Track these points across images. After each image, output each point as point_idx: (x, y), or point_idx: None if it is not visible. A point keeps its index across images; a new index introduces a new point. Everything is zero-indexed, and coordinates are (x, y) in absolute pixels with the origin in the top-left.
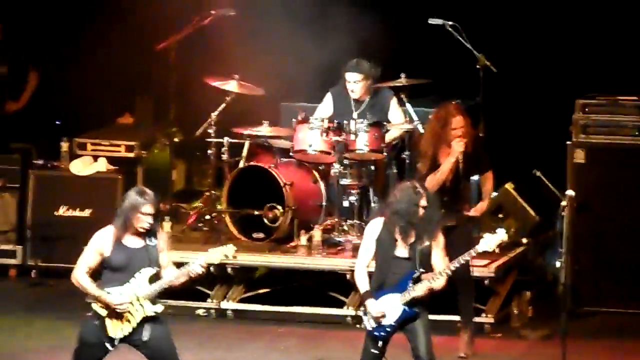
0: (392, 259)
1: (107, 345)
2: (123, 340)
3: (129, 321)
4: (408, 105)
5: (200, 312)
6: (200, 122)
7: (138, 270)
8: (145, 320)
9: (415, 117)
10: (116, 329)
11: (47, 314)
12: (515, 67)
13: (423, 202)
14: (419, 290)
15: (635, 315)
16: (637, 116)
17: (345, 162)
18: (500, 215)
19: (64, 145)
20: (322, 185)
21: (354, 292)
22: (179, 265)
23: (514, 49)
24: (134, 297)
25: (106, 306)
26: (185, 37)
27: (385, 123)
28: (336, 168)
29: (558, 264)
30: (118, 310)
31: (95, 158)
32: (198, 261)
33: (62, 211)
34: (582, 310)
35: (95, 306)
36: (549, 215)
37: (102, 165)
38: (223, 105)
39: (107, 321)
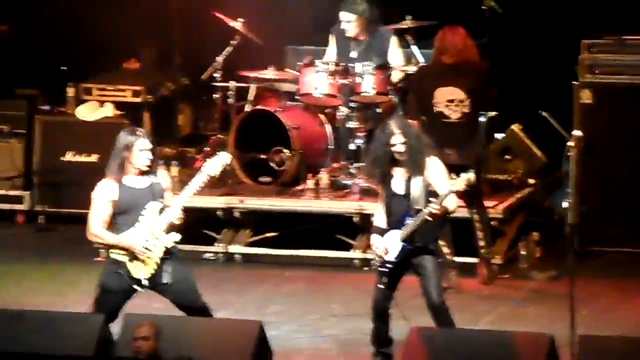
0: (392, 196)
1: (135, 287)
2: (149, 283)
3: (150, 258)
4: (414, 47)
5: (208, 256)
6: (206, 66)
7: (144, 205)
8: (166, 257)
9: (422, 59)
10: (140, 270)
11: (55, 259)
12: (521, 8)
13: (395, 139)
14: (413, 223)
15: None
16: None
17: (352, 105)
18: (507, 157)
19: (70, 91)
20: (328, 128)
21: (360, 235)
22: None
23: None
24: (149, 233)
25: (125, 251)
26: None
27: (390, 66)
28: (342, 111)
29: (565, 205)
30: (137, 251)
31: (102, 103)
32: (200, 176)
33: (69, 156)
34: (590, 251)
35: (114, 254)
36: (556, 156)
37: (109, 110)
38: (229, 49)
39: (130, 265)
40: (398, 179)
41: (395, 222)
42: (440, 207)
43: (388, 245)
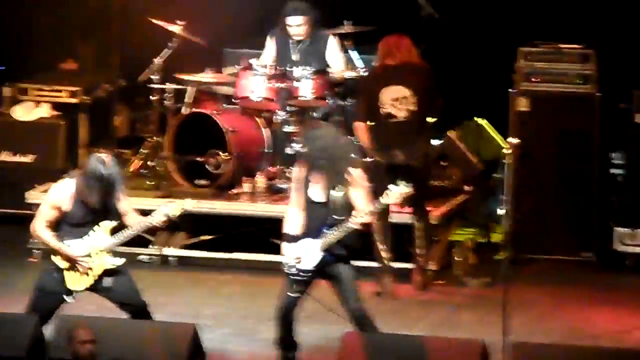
0: (310, 202)
1: (65, 297)
2: (87, 288)
3: (87, 274)
4: (353, 52)
5: (143, 258)
6: (143, 67)
7: (98, 222)
8: (105, 273)
9: (360, 64)
10: (75, 282)
11: None
12: (458, 14)
13: (304, 151)
14: (334, 235)
15: (576, 262)
16: (580, 64)
17: (289, 109)
18: (443, 163)
19: (6, 91)
20: (265, 132)
21: None
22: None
23: None
24: (94, 250)
25: (66, 258)
26: None
27: (328, 70)
28: (280, 115)
29: (500, 212)
30: (78, 264)
31: (38, 103)
32: (159, 213)
33: (4, 156)
34: (523, 257)
35: (55, 258)
36: (492, 163)
37: (45, 110)
38: (166, 51)
39: (66, 273)
40: (317, 186)
41: (311, 229)
42: (361, 222)
43: (303, 254)
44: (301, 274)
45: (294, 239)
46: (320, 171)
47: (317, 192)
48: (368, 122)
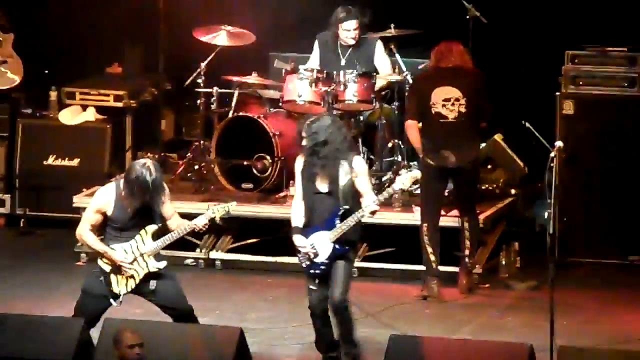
0: (314, 194)
1: (111, 300)
2: (133, 290)
3: (132, 277)
4: (397, 56)
5: (189, 262)
6: (189, 71)
7: (142, 226)
8: (149, 276)
9: (404, 68)
10: (120, 285)
11: (36, 263)
12: (505, 18)
13: (304, 142)
14: (345, 225)
15: (622, 265)
16: (626, 67)
17: (335, 112)
18: (489, 166)
19: (53, 94)
20: None
21: None
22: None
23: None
24: (138, 254)
25: (111, 262)
26: None
27: (374, 74)
28: None
29: (546, 215)
30: (122, 267)
31: (84, 107)
32: (202, 217)
33: (51, 160)
34: (570, 261)
35: (100, 262)
36: (538, 166)
37: (91, 114)
38: (212, 55)
39: (112, 277)
40: (321, 178)
41: (319, 221)
42: (370, 213)
43: (316, 246)
44: (320, 267)
45: (302, 231)
46: (321, 163)
47: (322, 183)
48: (419, 122)
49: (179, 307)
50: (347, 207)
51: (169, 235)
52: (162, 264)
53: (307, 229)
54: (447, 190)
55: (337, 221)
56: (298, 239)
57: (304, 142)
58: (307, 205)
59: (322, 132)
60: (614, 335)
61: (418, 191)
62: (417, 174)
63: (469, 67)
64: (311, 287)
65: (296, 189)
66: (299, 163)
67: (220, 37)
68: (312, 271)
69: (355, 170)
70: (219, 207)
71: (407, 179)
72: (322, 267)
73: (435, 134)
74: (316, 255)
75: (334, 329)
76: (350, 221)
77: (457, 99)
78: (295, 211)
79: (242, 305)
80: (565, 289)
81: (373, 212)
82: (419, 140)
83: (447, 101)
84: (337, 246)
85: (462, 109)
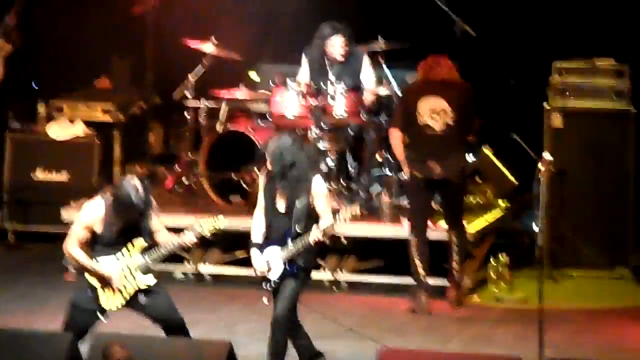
0: (273, 211)
1: (99, 315)
2: (123, 306)
3: (121, 292)
4: (385, 68)
5: (178, 275)
6: (177, 85)
7: (130, 241)
8: (140, 290)
9: (392, 81)
10: (109, 300)
11: (24, 277)
12: (493, 31)
13: (268, 164)
14: (295, 247)
15: (612, 278)
16: (614, 79)
17: (323, 126)
18: (478, 179)
19: (41, 108)
20: None
21: (330, 255)
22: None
23: (491, 12)
24: (127, 268)
25: (99, 278)
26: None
27: (363, 87)
28: (314, 132)
29: (535, 228)
30: (111, 282)
31: (72, 121)
32: (191, 232)
33: (39, 174)
34: (559, 273)
35: (88, 276)
36: (527, 178)
37: (80, 128)
38: (200, 68)
39: (100, 292)
40: (280, 197)
41: (275, 238)
42: (323, 235)
43: (270, 262)
44: (271, 284)
45: (261, 246)
46: (282, 182)
47: (280, 202)
48: (404, 133)
49: (170, 319)
50: (299, 229)
51: (158, 252)
52: (151, 279)
53: (266, 243)
54: (435, 204)
55: (290, 242)
56: (254, 254)
57: (269, 166)
58: (267, 220)
59: (288, 153)
60: (603, 346)
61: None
62: (356, 209)
63: (457, 80)
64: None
65: (258, 203)
66: (262, 179)
67: (208, 46)
68: (263, 285)
69: (314, 191)
70: (207, 223)
71: (346, 214)
72: (273, 284)
73: (421, 145)
74: (269, 270)
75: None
76: (299, 244)
77: (444, 110)
78: (255, 225)
79: (232, 319)
80: (555, 301)
81: (316, 242)
82: (402, 152)
83: (435, 113)
84: (287, 266)
85: (449, 121)
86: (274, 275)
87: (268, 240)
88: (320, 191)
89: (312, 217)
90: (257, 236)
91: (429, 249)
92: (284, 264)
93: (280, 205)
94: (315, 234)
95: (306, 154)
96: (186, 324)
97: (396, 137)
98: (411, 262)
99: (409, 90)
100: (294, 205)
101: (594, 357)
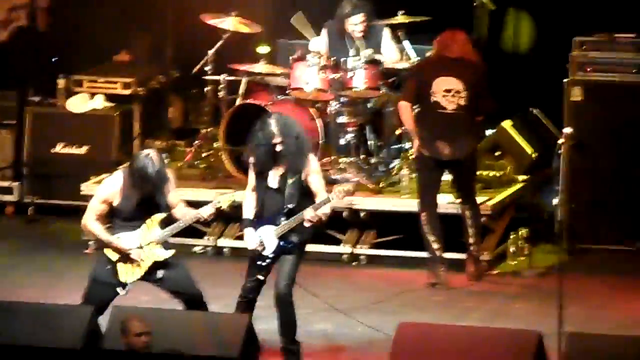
0: (266, 188)
1: (118, 289)
2: (141, 278)
3: (139, 266)
4: (406, 43)
5: (197, 249)
6: (197, 59)
7: (148, 215)
8: (157, 264)
9: (413, 55)
10: (127, 274)
11: (44, 251)
12: (513, 5)
13: (275, 139)
14: (288, 224)
15: (631, 252)
16: (635, 53)
17: (342, 99)
18: (497, 153)
19: (61, 82)
20: (319, 122)
21: (350, 230)
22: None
23: None
24: (145, 242)
25: (117, 251)
26: None
27: (382, 61)
28: (333, 106)
29: (555, 202)
30: (129, 256)
31: (92, 95)
32: (208, 206)
33: (59, 148)
34: (579, 248)
35: (107, 251)
36: (546, 153)
37: (99, 102)
38: (220, 43)
39: (119, 265)
40: (273, 173)
41: (267, 215)
42: (315, 215)
43: (263, 239)
44: (265, 260)
45: (252, 224)
46: (277, 158)
47: (273, 178)
48: (415, 107)
49: (188, 292)
50: (291, 205)
51: (176, 224)
52: (170, 252)
53: (258, 221)
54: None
55: (283, 219)
56: (247, 232)
57: (278, 141)
58: (258, 197)
59: (291, 132)
60: (623, 321)
61: None
62: (349, 187)
63: (472, 58)
64: (255, 277)
65: (249, 180)
66: (252, 156)
67: (227, 22)
68: (258, 262)
69: (308, 168)
70: (226, 197)
71: (340, 193)
72: (268, 260)
73: (432, 124)
74: (263, 248)
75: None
76: (292, 221)
77: (457, 91)
78: (246, 203)
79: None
80: (574, 275)
81: (309, 221)
82: (412, 123)
83: (448, 92)
84: (281, 242)
85: (462, 102)
86: (267, 252)
87: (261, 218)
88: (314, 168)
89: (305, 194)
90: (248, 213)
91: (440, 222)
92: (279, 240)
93: (273, 182)
94: (309, 212)
95: (303, 131)
96: (205, 298)
97: (406, 108)
98: (424, 238)
99: (424, 66)
100: (287, 181)
101: (613, 331)
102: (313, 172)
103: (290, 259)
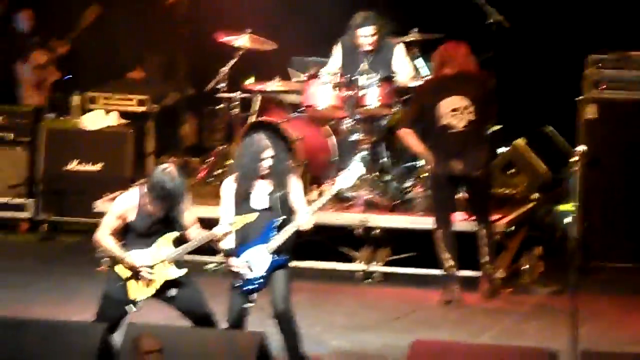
0: (249, 211)
1: (129, 306)
2: (153, 296)
3: (151, 284)
4: (419, 60)
5: (210, 266)
6: (211, 76)
7: (162, 233)
8: (169, 283)
9: (427, 72)
10: (138, 291)
11: (58, 268)
12: (528, 22)
13: (267, 153)
14: (283, 235)
15: None
16: None
17: (356, 117)
18: (511, 171)
19: (75, 99)
20: (332, 140)
21: (364, 247)
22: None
23: (526, 3)
24: (158, 260)
25: (129, 268)
26: None
27: (395, 78)
28: (347, 123)
29: (568, 220)
30: (140, 274)
31: (107, 112)
32: (223, 225)
33: (73, 165)
34: (592, 266)
35: (118, 268)
36: (560, 171)
37: (114, 119)
38: (234, 60)
39: (130, 283)
40: (259, 193)
41: (253, 237)
42: (310, 219)
43: (251, 262)
44: (258, 281)
45: (235, 252)
46: (266, 176)
47: (261, 198)
48: (421, 130)
49: (199, 312)
50: (282, 218)
51: (189, 244)
52: (182, 271)
53: (240, 248)
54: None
55: (274, 233)
56: (232, 260)
57: (270, 155)
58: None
59: (280, 146)
60: (637, 338)
61: None
62: (361, 169)
63: (473, 70)
64: (244, 305)
65: (223, 212)
66: (229, 186)
67: (242, 40)
68: (248, 287)
69: (292, 181)
70: (240, 217)
71: (351, 176)
72: (260, 281)
73: (444, 145)
74: (251, 271)
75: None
76: (290, 229)
77: (465, 108)
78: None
79: (264, 310)
80: (588, 293)
81: (307, 224)
82: (421, 145)
83: (456, 111)
84: (275, 257)
85: (471, 117)
86: (257, 273)
87: (245, 242)
88: (297, 182)
89: (290, 207)
90: (227, 244)
91: (455, 240)
92: (272, 255)
93: (260, 202)
94: (297, 222)
95: (283, 145)
96: (216, 317)
97: (408, 135)
98: (438, 255)
99: (425, 89)
100: (275, 196)
101: (627, 350)
102: (296, 186)
103: (283, 275)
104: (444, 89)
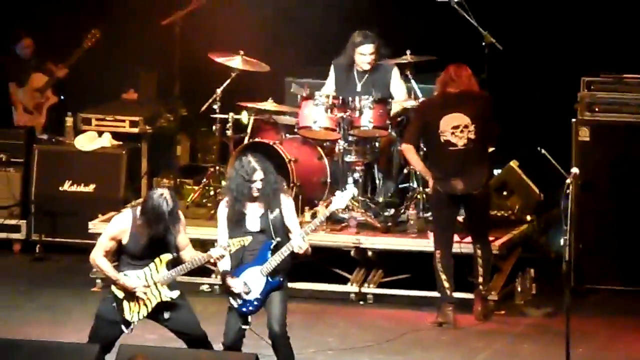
0: (244, 234)
1: (123, 327)
2: (146, 316)
3: (145, 305)
4: (413, 82)
5: (204, 288)
6: (205, 97)
7: (156, 255)
8: (162, 305)
9: (420, 94)
10: (133, 312)
11: (51, 289)
12: (521, 45)
13: (256, 176)
14: (278, 257)
15: (637, 292)
16: None
17: (350, 138)
18: (505, 193)
19: (69, 120)
20: (326, 161)
21: (358, 269)
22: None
23: (520, 26)
24: (152, 282)
25: (123, 289)
26: (190, 13)
27: (389, 100)
28: (341, 145)
29: (562, 242)
30: (135, 294)
31: (100, 133)
32: (218, 248)
33: (67, 186)
34: (585, 288)
35: (113, 288)
36: (553, 193)
37: (107, 140)
38: (228, 81)
39: (124, 303)
40: (252, 215)
41: (249, 259)
42: (304, 243)
43: (248, 284)
44: (254, 303)
45: (232, 273)
46: (259, 198)
47: (254, 221)
48: (423, 148)
49: (192, 333)
50: (277, 240)
51: (183, 266)
52: (175, 293)
53: (237, 269)
54: (460, 217)
55: (269, 255)
56: (230, 282)
57: (260, 177)
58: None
59: (270, 169)
60: None
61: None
62: (353, 190)
63: (476, 91)
64: (242, 326)
65: (220, 234)
66: (223, 209)
67: (235, 61)
68: (244, 309)
69: (285, 202)
70: (235, 240)
71: (344, 197)
72: (256, 303)
73: (444, 162)
74: (248, 292)
75: None
76: (284, 251)
77: (466, 126)
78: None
79: (257, 331)
80: (581, 315)
81: (302, 247)
82: (421, 163)
83: (456, 128)
84: (270, 279)
85: (471, 135)
86: (254, 295)
87: (241, 265)
88: (289, 203)
89: (284, 229)
90: (226, 265)
91: (453, 262)
92: (267, 277)
93: (252, 225)
94: (292, 245)
95: (275, 167)
96: (209, 338)
97: (411, 151)
98: (436, 275)
99: (427, 106)
100: (268, 219)
101: None
102: (289, 208)
103: (279, 297)
104: (447, 105)
